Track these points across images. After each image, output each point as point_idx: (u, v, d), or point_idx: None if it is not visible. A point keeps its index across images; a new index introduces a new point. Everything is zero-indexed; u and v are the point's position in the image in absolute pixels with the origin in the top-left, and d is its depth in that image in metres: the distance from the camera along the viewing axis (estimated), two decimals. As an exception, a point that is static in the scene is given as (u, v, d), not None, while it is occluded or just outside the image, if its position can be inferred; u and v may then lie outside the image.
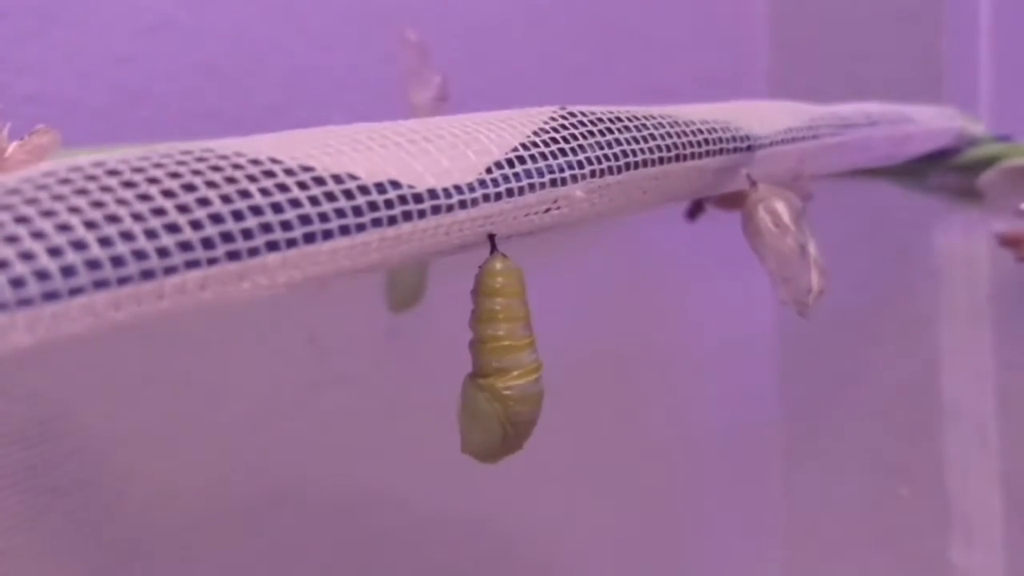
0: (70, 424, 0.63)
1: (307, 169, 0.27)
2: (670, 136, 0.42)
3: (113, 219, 0.22)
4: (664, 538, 0.97)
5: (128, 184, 0.23)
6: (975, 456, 0.85)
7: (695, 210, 0.66)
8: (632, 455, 0.93)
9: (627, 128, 0.40)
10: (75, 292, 0.21)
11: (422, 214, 0.30)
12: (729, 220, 0.53)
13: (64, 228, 0.21)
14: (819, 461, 0.99)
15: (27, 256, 0.21)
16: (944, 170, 0.74)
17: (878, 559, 0.95)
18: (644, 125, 0.41)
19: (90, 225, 0.22)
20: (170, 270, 0.23)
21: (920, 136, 0.68)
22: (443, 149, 0.32)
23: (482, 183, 0.32)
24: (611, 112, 0.40)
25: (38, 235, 0.21)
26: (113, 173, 0.23)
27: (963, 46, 0.88)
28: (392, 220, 0.29)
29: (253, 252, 0.25)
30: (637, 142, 0.40)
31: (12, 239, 0.21)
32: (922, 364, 0.87)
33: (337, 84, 0.80)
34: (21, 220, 0.21)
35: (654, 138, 0.41)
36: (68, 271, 0.21)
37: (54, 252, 0.22)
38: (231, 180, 0.25)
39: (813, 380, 0.98)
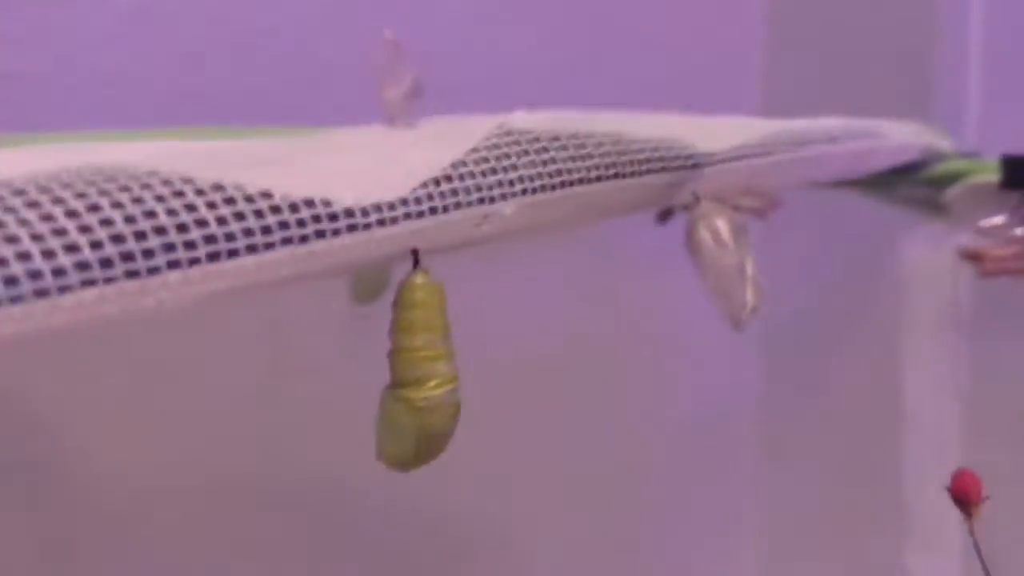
0: (22, 404, 0.64)
1: (218, 188, 0.28)
2: (609, 155, 0.43)
3: (11, 240, 0.23)
4: (637, 531, 0.98)
5: (32, 204, 0.24)
6: (933, 463, 0.86)
7: (666, 214, 0.66)
8: (607, 449, 0.94)
9: (564, 147, 0.41)
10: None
11: (336, 232, 0.30)
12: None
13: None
14: (790, 462, 1.00)
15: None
16: (912, 183, 0.75)
17: (836, 563, 0.96)
18: (583, 144, 0.42)
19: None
20: (64, 289, 0.24)
21: (884, 151, 0.69)
22: (370, 167, 0.33)
23: (404, 202, 0.33)
24: (551, 131, 0.41)
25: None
26: (19, 193, 0.24)
27: (954, 51, 0.89)
28: (304, 238, 0.30)
29: (153, 271, 0.26)
30: (574, 160, 0.41)
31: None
32: (885, 371, 0.88)
33: (320, 68, 0.81)
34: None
35: (592, 156, 0.42)
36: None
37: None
38: (138, 200, 0.26)
39: (776, 383, 0.99)
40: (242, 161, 0.31)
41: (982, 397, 0.84)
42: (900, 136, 0.71)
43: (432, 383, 0.36)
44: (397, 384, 0.36)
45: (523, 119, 0.63)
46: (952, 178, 0.74)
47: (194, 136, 0.62)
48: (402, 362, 0.36)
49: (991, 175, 0.72)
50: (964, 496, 0.40)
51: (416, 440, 0.36)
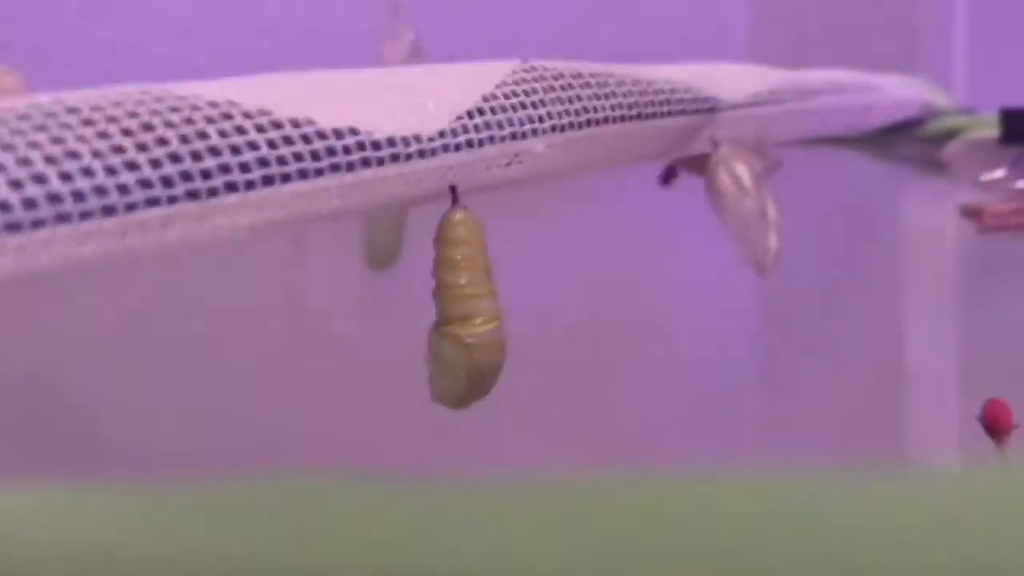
0: (50, 383, 0.64)
1: (264, 112, 0.27)
2: (631, 94, 0.42)
3: (73, 155, 0.23)
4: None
5: (87, 122, 0.24)
6: (935, 419, 0.86)
7: (668, 175, 0.66)
8: (605, 419, 0.94)
9: (588, 84, 0.40)
10: (37, 224, 0.22)
11: (380, 161, 0.30)
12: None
13: (24, 162, 0.22)
14: (782, 420, 1.00)
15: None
16: (910, 141, 0.75)
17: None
18: (606, 82, 0.42)
19: (49, 160, 0.22)
20: (131, 207, 0.23)
21: (885, 106, 0.69)
22: (403, 98, 0.33)
23: (442, 134, 0.33)
24: (573, 68, 0.41)
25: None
26: (72, 111, 0.24)
27: (939, 14, 0.89)
28: (350, 166, 0.29)
29: (212, 192, 0.25)
30: (599, 98, 0.41)
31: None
32: (886, 330, 0.88)
33: (315, 38, 0.80)
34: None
35: (615, 95, 0.42)
36: (29, 203, 0.22)
37: (14, 185, 0.22)
38: (189, 121, 0.25)
39: (786, 346, 0.99)
40: (280, 90, 0.31)
41: (983, 353, 0.84)
42: (901, 91, 0.72)
43: (478, 320, 0.36)
44: (444, 321, 0.36)
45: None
46: (950, 134, 0.74)
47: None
48: (447, 299, 0.35)
49: (990, 130, 0.72)
50: (995, 424, 0.40)
51: (467, 376, 0.36)
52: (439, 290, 0.36)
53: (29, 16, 0.69)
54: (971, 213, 0.73)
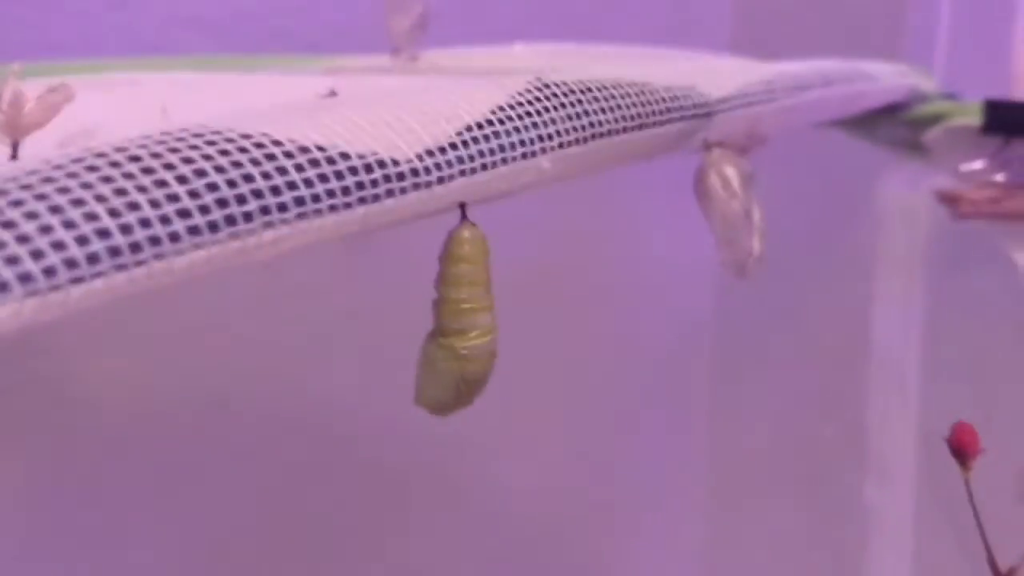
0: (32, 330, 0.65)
1: (304, 150, 0.30)
2: (634, 106, 0.44)
3: (131, 205, 0.25)
4: (590, 456, 1.01)
5: (147, 171, 0.26)
6: (896, 399, 0.89)
7: None
8: (564, 371, 0.96)
9: (595, 99, 0.42)
10: (96, 276, 0.24)
11: (404, 191, 0.32)
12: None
13: (91, 217, 0.24)
14: (747, 392, 1.03)
15: (59, 246, 0.23)
16: (893, 123, 0.77)
17: (795, 493, 1.00)
18: (612, 95, 0.43)
19: (113, 214, 0.24)
20: (180, 252, 0.25)
21: (874, 93, 0.71)
22: (422, 121, 0.35)
23: (460, 159, 0.35)
24: (582, 83, 0.43)
25: (68, 224, 0.24)
26: (134, 159, 0.26)
27: (924, 3, 0.90)
28: (376, 197, 0.31)
29: (251, 232, 0.27)
30: (604, 112, 0.43)
31: (45, 229, 0.23)
32: (854, 307, 0.91)
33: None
34: (54, 210, 0.24)
35: (620, 108, 0.43)
36: (92, 259, 0.24)
37: (69, 226, 0.24)
38: (237, 164, 0.27)
39: (748, 314, 1.01)
40: (306, 117, 0.32)
41: (946, 335, 0.87)
42: (888, 78, 0.73)
43: (474, 333, 0.38)
44: (441, 332, 0.38)
45: (536, 57, 0.64)
46: (933, 119, 0.75)
47: (208, 66, 0.63)
48: (447, 312, 0.37)
49: (972, 118, 0.74)
50: (961, 448, 0.42)
51: (456, 386, 0.38)
52: (440, 303, 0.38)
53: None
54: (948, 199, 0.75)
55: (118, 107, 0.44)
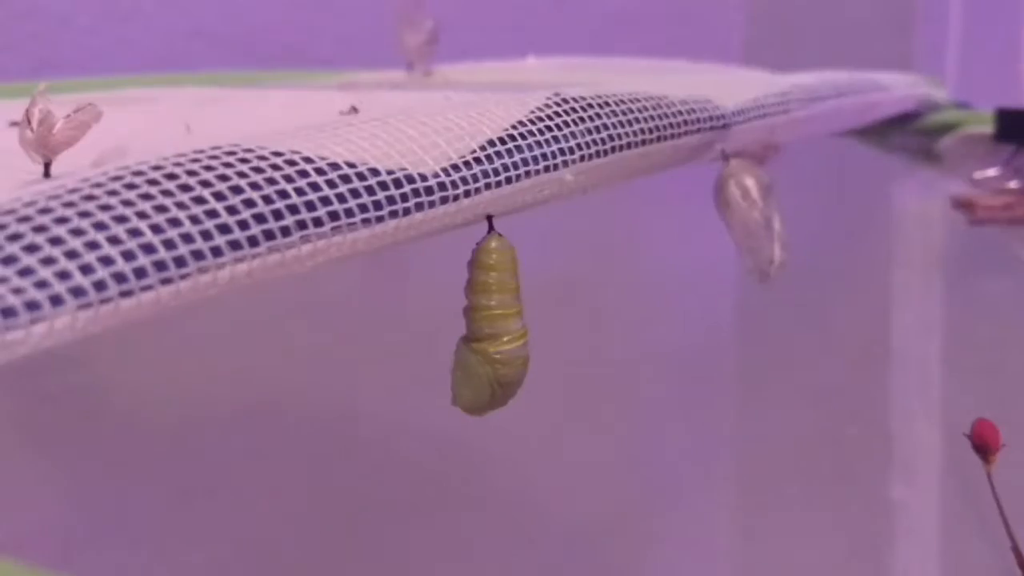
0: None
1: (335, 167, 0.30)
2: (653, 119, 0.45)
3: (174, 222, 0.26)
4: (617, 460, 1.02)
5: (184, 188, 0.27)
6: (919, 400, 0.90)
7: None
8: (589, 378, 0.97)
9: (614, 112, 0.43)
10: (145, 289, 0.24)
11: (432, 204, 0.33)
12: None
13: (135, 233, 0.25)
14: (771, 396, 1.03)
15: (106, 261, 0.24)
16: (906, 132, 0.77)
17: (821, 491, 1.00)
18: (630, 109, 0.44)
19: (156, 229, 0.25)
20: (221, 266, 0.26)
21: (886, 103, 0.72)
22: (447, 136, 0.36)
23: (484, 173, 0.36)
24: (600, 97, 0.43)
25: (114, 240, 0.24)
26: (171, 177, 0.27)
27: (934, 15, 0.91)
28: (407, 211, 0.32)
29: (289, 247, 0.28)
30: (623, 125, 0.43)
31: (92, 245, 0.24)
32: (874, 312, 0.91)
33: (326, 5, 0.82)
34: (99, 227, 0.24)
35: (638, 121, 0.44)
36: (139, 272, 0.24)
37: (114, 241, 0.25)
38: (271, 181, 0.28)
39: (771, 318, 1.02)
40: (332, 135, 0.33)
41: (965, 337, 0.88)
42: (900, 88, 0.74)
43: (505, 338, 0.39)
44: (473, 338, 0.39)
45: (548, 71, 0.65)
46: (946, 128, 0.76)
47: (222, 81, 0.64)
48: (478, 319, 0.39)
49: (984, 126, 0.75)
50: (983, 443, 0.43)
51: (491, 388, 0.39)
52: (471, 310, 0.39)
53: None
54: (962, 205, 0.76)
55: (143, 125, 0.45)
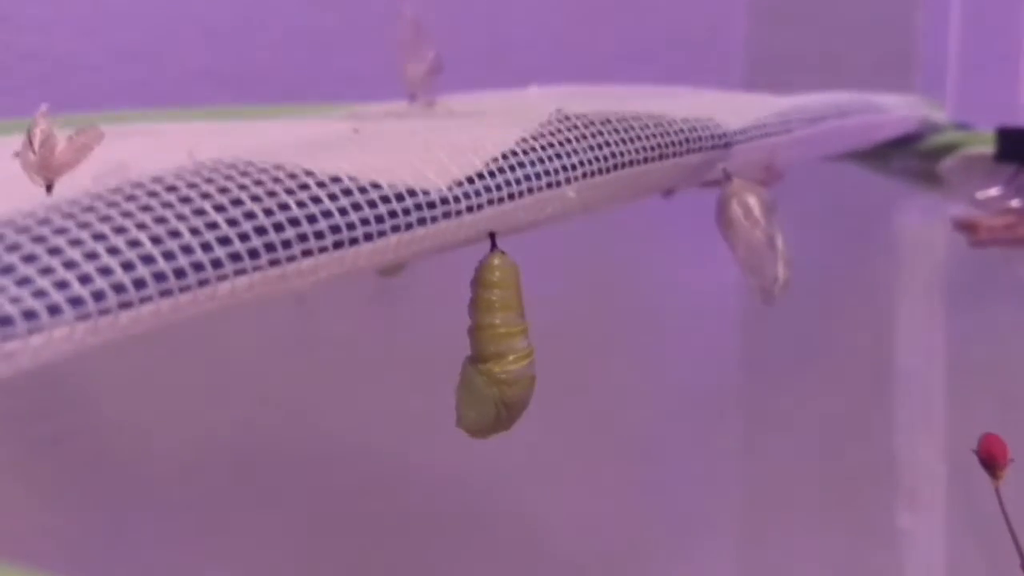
0: (56, 375, 0.66)
1: (336, 180, 0.30)
2: (654, 136, 0.45)
3: (174, 234, 0.25)
4: (619, 486, 1.01)
5: (184, 200, 0.26)
6: (923, 425, 0.89)
7: (670, 189, 0.69)
8: (593, 410, 0.96)
9: (616, 131, 0.43)
10: (140, 285, 0.24)
11: (434, 219, 0.33)
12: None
13: (135, 244, 0.25)
14: (775, 420, 1.03)
15: (106, 271, 0.24)
16: (906, 154, 0.77)
17: (827, 518, 0.99)
18: (632, 126, 0.44)
19: (156, 241, 0.25)
20: (222, 278, 0.26)
21: (886, 125, 0.72)
22: (450, 154, 0.36)
23: (487, 188, 0.35)
24: (602, 115, 0.43)
25: (113, 251, 0.24)
26: (171, 189, 0.26)
27: (935, 21, 0.91)
28: (408, 225, 0.32)
29: (291, 259, 0.28)
30: (625, 143, 0.43)
31: (91, 255, 0.24)
32: (877, 336, 0.91)
33: (329, 45, 0.82)
34: (98, 237, 0.24)
35: (640, 139, 0.44)
36: (139, 283, 0.24)
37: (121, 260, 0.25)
38: (272, 194, 0.28)
39: (774, 342, 1.02)
40: (334, 150, 0.33)
41: (969, 360, 0.87)
42: (900, 109, 0.74)
43: (511, 358, 0.38)
44: (478, 358, 0.38)
45: (551, 100, 0.65)
46: (946, 149, 0.76)
47: (226, 116, 0.64)
48: (483, 338, 0.38)
49: (985, 146, 0.75)
50: (990, 459, 0.42)
51: (496, 409, 0.39)
52: (475, 329, 0.38)
53: (55, 25, 0.71)
54: (965, 226, 0.75)
55: (144, 151, 0.45)
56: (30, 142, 0.30)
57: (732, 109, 0.54)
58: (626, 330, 0.98)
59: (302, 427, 0.78)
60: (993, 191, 0.74)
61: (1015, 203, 0.73)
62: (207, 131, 0.53)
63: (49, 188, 0.30)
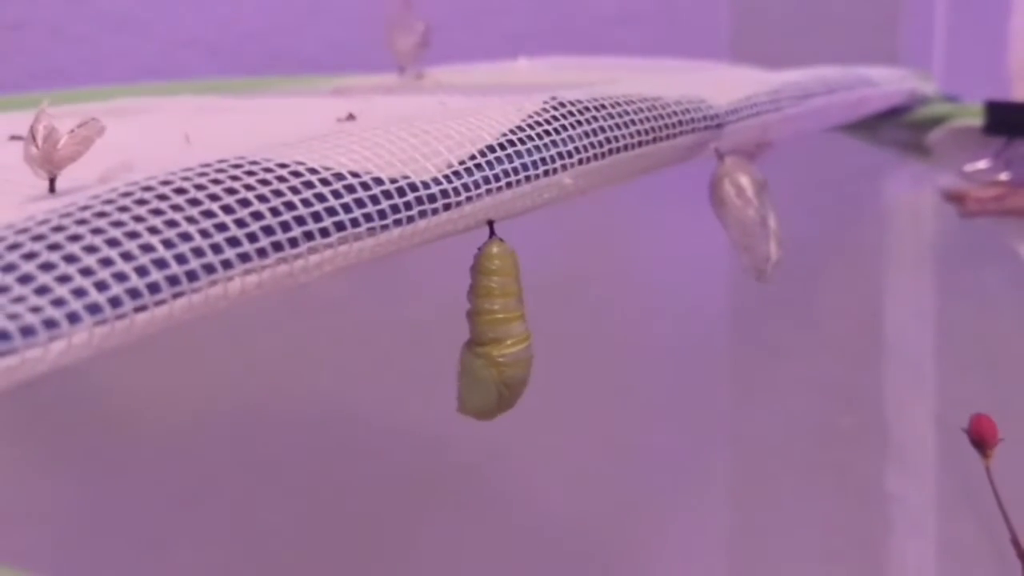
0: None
1: (339, 177, 0.31)
2: (648, 120, 0.46)
3: (185, 237, 0.26)
4: (611, 455, 1.02)
5: (193, 202, 0.27)
6: (912, 390, 0.90)
7: None
8: (584, 372, 0.97)
9: (610, 115, 0.44)
10: (159, 304, 0.25)
11: (435, 211, 0.34)
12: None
13: (148, 248, 0.25)
14: (766, 389, 1.04)
15: (121, 277, 0.24)
16: (895, 126, 0.78)
17: (817, 484, 1.01)
18: (625, 111, 0.45)
19: (168, 244, 0.25)
20: (232, 278, 0.27)
21: (876, 98, 0.72)
22: (448, 144, 0.36)
23: (486, 179, 0.36)
24: (596, 100, 0.44)
25: (126, 256, 0.25)
26: (180, 192, 0.27)
27: (920, 8, 0.91)
28: (411, 219, 0.33)
29: (297, 256, 0.29)
30: (619, 128, 0.44)
31: (106, 262, 0.24)
32: (867, 303, 0.92)
33: (316, 10, 0.82)
34: (112, 243, 0.25)
35: (635, 123, 0.45)
36: (153, 288, 0.25)
37: (126, 257, 0.25)
38: (277, 193, 0.29)
39: (764, 312, 1.03)
40: (334, 145, 0.34)
41: (958, 327, 0.88)
42: (889, 82, 0.74)
43: (509, 342, 0.39)
44: (477, 343, 0.39)
45: (540, 72, 0.65)
46: (935, 121, 0.77)
47: (215, 89, 0.64)
48: (481, 323, 0.39)
49: (973, 118, 0.75)
50: (981, 438, 0.43)
51: (497, 391, 0.40)
52: (474, 314, 0.39)
53: None
54: (953, 198, 0.76)
55: (142, 137, 0.45)
56: (33, 137, 0.31)
57: (723, 87, 0.55)
58: (616, 301, 0.99)
59: (291, 388, 0.79)
60: (981, 163, 0.75)
61: (1003, 176, 0.74)
62: (198, 110, 0.53)
63: (52, 182, 0.31)
